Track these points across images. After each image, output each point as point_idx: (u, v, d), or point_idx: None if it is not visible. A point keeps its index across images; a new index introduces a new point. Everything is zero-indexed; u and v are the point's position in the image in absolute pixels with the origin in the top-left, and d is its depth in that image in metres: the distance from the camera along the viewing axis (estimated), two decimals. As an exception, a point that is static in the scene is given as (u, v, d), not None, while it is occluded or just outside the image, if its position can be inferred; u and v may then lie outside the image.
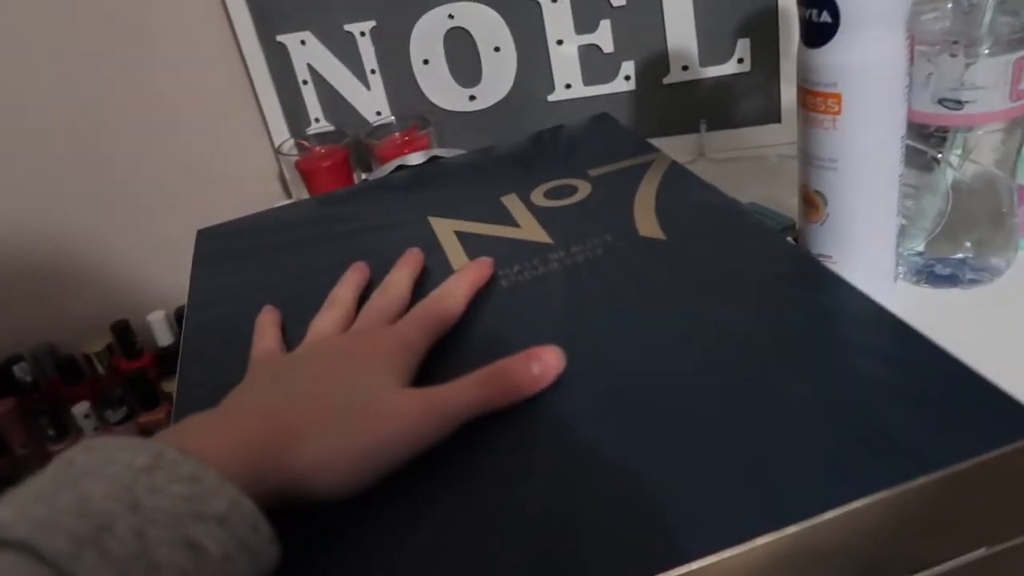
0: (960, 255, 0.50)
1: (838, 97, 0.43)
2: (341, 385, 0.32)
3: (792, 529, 0.24)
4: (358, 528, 0.28)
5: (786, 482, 0.26)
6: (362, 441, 0.29)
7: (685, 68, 0.76)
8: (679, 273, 0.38)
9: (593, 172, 0.50)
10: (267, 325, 0.40)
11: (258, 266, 0.48)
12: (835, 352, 0.31)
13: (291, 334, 0.40)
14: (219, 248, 0.52)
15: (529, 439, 0.30)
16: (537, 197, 0.48)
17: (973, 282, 0.50)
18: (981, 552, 0.28)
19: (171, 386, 0.94)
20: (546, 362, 0.32)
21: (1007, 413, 0.27)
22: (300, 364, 0.34)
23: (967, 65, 0.43)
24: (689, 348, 0.33)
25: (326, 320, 0.38)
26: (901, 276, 0.51)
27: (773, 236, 0.41)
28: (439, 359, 0.35)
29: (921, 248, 0.51)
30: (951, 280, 0.51)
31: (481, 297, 0.40)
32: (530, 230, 0.45)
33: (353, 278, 0.42)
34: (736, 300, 0.35)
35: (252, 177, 0.94)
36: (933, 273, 0.51)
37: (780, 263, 0.38)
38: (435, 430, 0.30)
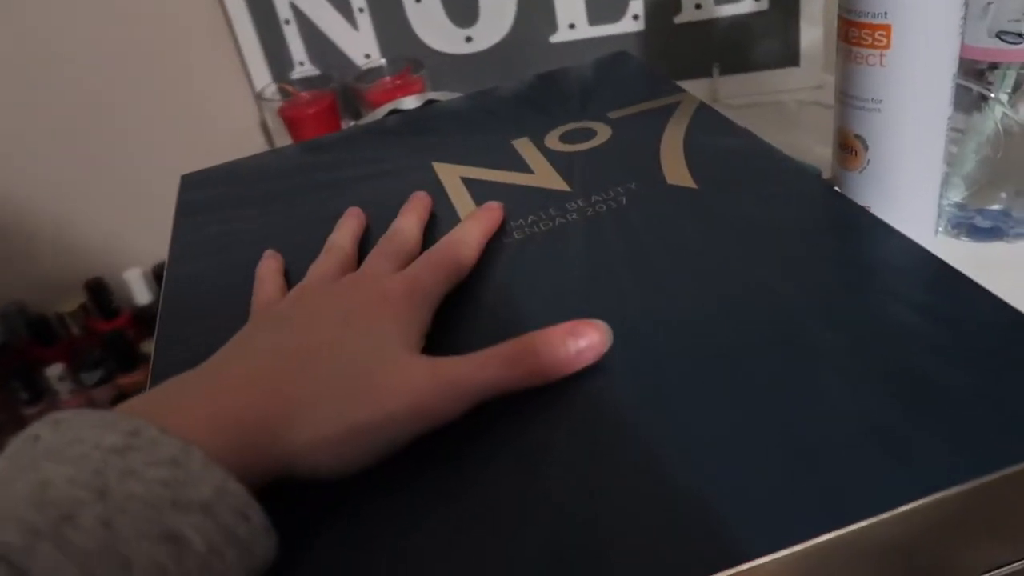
0: (1003, 206, 0.46)
1: (887, 28, 0.39)
2: (343, 350, 0.27)
3: (847, 529, 0.21)
4: (360, 517, 0.24)
5: (844, 473, 0.22)
6: (364, 416, 0.25)
7: (698, 7, 0.71)
8: (712, 225, 0.34)
9: (613, 114, 0.45)
10: (269, 272, 0.36)
11: (246, 216, 0.44)
12: (884, 309, 0.28)
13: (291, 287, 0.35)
14: (203, 196, 0.47)
15: (549, 416, 0.26)
16: (552, 141, 0.44)
17: (1019, 235, 0.46)
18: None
19: (150, 347, 0.89)
20: (590, 339, 0.27)
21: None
22: (300, 321, 0.30)
23: (1032, -7, 0.39)
24: (724, 309, 0.29)
25: (325, 266, 0.34)
26: (940, 229, 0.48)
27: (816, 183, 0.37)
28: (444, 321, 0.31)
29: (961, 198, 0.47)
30: (994, 233, 0.47)
31: (491, 250, 0.36)
32: (545, 177, 0.41)
33: (350, 224, 0.38)
34: (778, 255, 0.32)
35: (232, 125, 0.88)
36: (973, 226, 0.48)
37: (823, 211, 0.34)
38: (445, 410, 0.26)
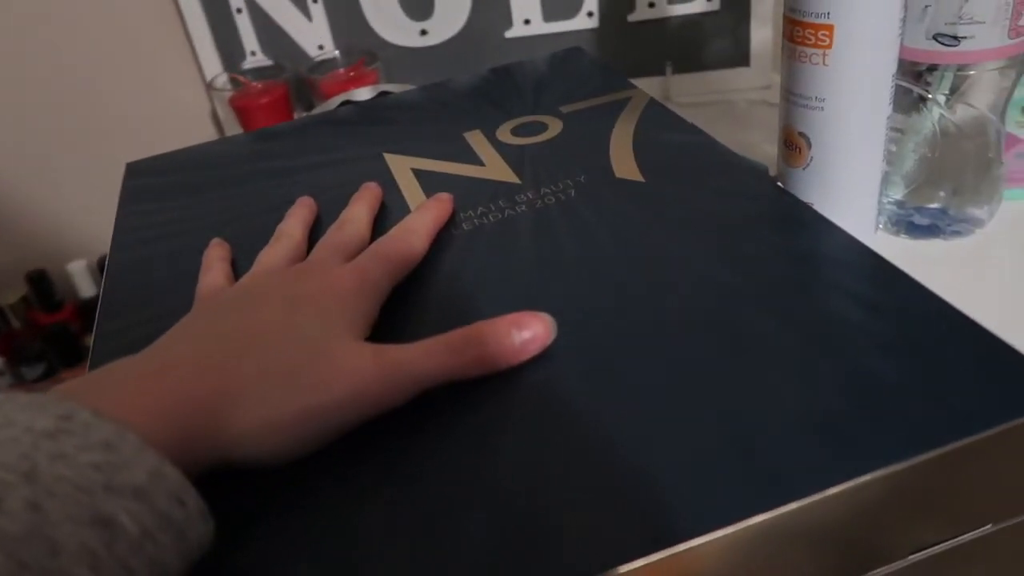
0: (940, 204, 0.48)
1: (830, 29, 0.40)
2: (288, 334, 0.27)
3: (786, 508, 0.21)
4: (304, 501, 0.24)
5: (780, 454, 0.23)
6: (307, 402, 0.25)
7: (651, 5, 0.72)
8: (659, 217, 0.35)
9: (565, 109, 0.46)
10: (215, 259, 0.35)
11: (192, 204, 0.43)
12: (826, 301, 0.28)
13: (239, 276, 0.35)
14: (149, 184, 0.46)
15: (495, 401, 0.26)
16: (504, 134, 0.44)
17: (955, 233, 0.48)
18: (988, 529, 0.25)
19: (95, 340, 0.87)
20: (534, 331, 0.28)
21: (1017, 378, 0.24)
22: (245, 305, 0.30)
23: (967, -3, 0.40)
24: (670, 299, 0.30)
25: (274, 253, 0.34)
26: (880, 226, 0.49)
27: (761, 178, 0.37)
28: (392, 311, 0.31)
29: (901, 196, 0.49)
30: (931, 231, 0.48)
31: (441, 241, 0.36)
32: (496, 169, 0.41)
33: (300, 212, 0.38)
34: (721, 246, 0.32)
35: (182, 115, 0.87)
36: (912, 223, 0.49)
37: (768, 206, 0.35)
38: (390, 395, 0.26)
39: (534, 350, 0.28)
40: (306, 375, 0.26)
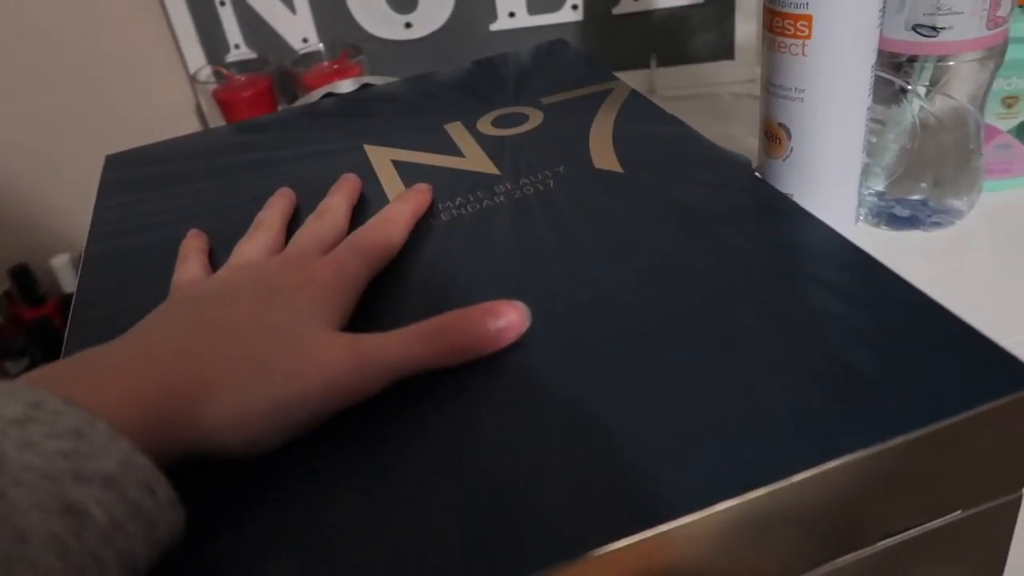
0: (921, 196, 0.48)
1: (809, 19, 0.40)
2: (264, 324, 0.27)
3: (759, 492, 0.22)
4: (277, 492, 0.24)
5: (754, 440, 0.23)
6: (281, 392, 0.25)
7: (636, -2, 0.72)
8: (637, 208, 0.35)
9: (546, 100, 0.46)
10: (192, 250, 0.35)
11: (171, 195, 0.43)
12: (803, 292, 0.28)
13: (216, 266, 0.35)
14: (128, 175, 0.46)
15: (472, 391, 0.26)
16: (484, 125, 0.44)
17: (935, 224, 0.48)
18: (957, 515, 0.26)
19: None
20: (508, 319, 0.28)
21: (995, 366, 0.24)
22: (221, 296, 0.30)
23: (945, -12, 0.40)
24: (648, 289, 0.30)
25: (252, 244, 0.34)
26: (861, 218, 0.49)
27: (739, 169, 0.37)
28: (371, 302, 0.31)
29: (881, 187, 0.49)
30: (911, 222, 0.49)
31: (419, 231, 0.36)
32: (476, 160, 0.41)
33: (279, 203, 0.38)
34: (699, 236, 0.32)
35: (165, 108, 0.86)
36: (892, 215, 0.49)
37: (747, 197, 0.35)
38: (365, 385, 0.26)
39: (510, 338, 0.28)
40: (280, 366, 0.25)
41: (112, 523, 0.20)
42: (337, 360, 0.26)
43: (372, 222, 0.34)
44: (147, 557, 0.21)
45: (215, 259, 0.36)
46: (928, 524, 0.25)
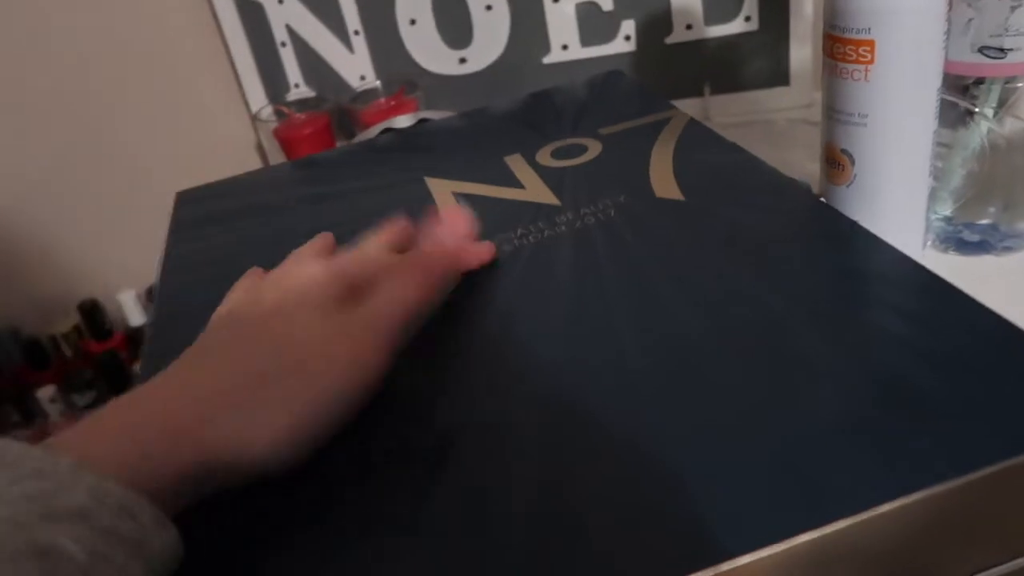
0: (991, 220, 0.47)
1: (871, 44, 0.39)
2: (259, 343, 0.28)
3: (835, 527, 0.21)
4: (329, 516, 0.24)
5: (829, 472, 0.22)
6: (306, 396, 0.26)
7: (689, 27, 0.72)
8: (700, 236, 0.34)
9: (604, 131, 0.46)
10: (239, 289, 0.36)
11: (240, 228, 0.44)
12: (876, 318, 0.28)
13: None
14: (199, 211, 0.48)
15: (530, 419, 0.26)
16: (543, 157, 0.44)
17: (1007, 249, 0.47)
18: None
19: (144, 368, 0.89)
20: (454, 224, 0.32)
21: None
22: (232, 323, 0.31)
23: (1012, 8, 0.39)
24: (713, 317, 0.29)
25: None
26: (929, 243, 0.48)
27: (804, 196, 0.37)
28: (427, 329, 0.31)
29: (949, 212, 0.48)
30: (982, 247, 0.47)
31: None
32: (536, 191, 0.41)
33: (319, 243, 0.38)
34: (763, 263, 0.32)
35: (228, 146, 0.89)
36: (962, 240, 0.48)
37: (812, 222, 0.35)
38: (380, 358, 0.27)
39: (469, 246, 0.32)
40: (297, 376, 0.26)
41: (92, 555, 0.19)
42: (348, 347, 0.27)
43: (408, 255, 0.34)
44: None
45: None
46: (1015, 562, 0.24)
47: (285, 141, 0.78)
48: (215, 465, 0.24)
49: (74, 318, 0.93)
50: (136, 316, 0.92)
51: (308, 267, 0.31)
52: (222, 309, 0.34)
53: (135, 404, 0.25)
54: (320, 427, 0.26)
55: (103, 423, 0.24)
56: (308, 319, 0.28)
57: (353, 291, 0.30)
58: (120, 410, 0.25)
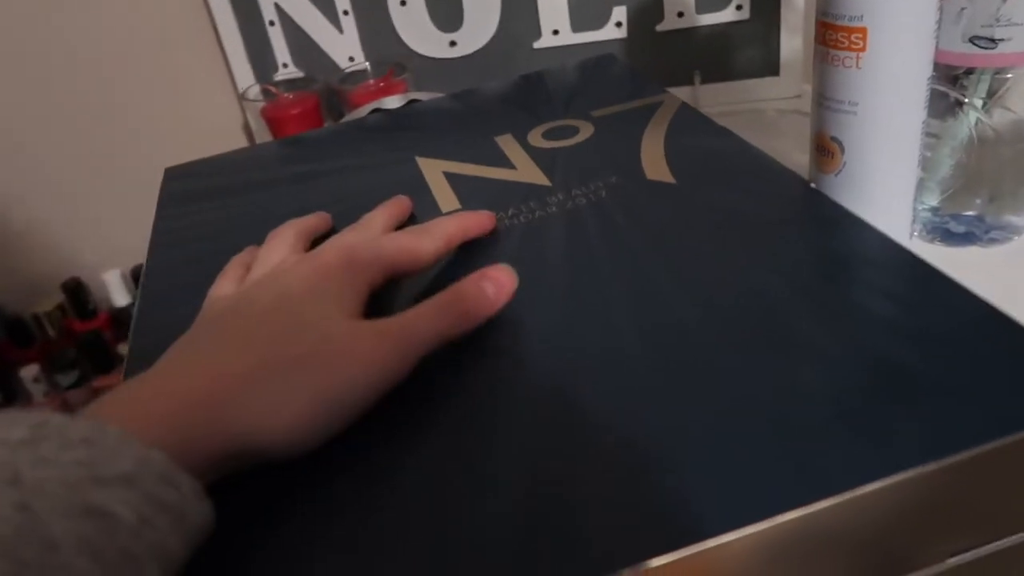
0: (977, 211, 0.47)
1: (864, 31, 0.40)
2: (281, 325, 0.28)
3: (821, 505, 0.21)
4: (324, 496, 0.24)
5: (815, 451, 0.22)
6: (320, 387, 0.25)
7: (680, 15, 0.72)
8: (690, 218, 0.35)
9: (596, 113, 0.46)
10: (234, 265, 0.35)
11: (228, 205, 0.44)
12: (863, 301, 0.28)
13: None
14: (186, 187, 0.47)
15: (521, 397, 0.26)
16: (535, 138, 0.44)
17: (992, 240, 0.47)
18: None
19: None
20: (499, 282, 0.30)
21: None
22: (239, 305, 0.30)
23: (1004, -1, 0.40)
24: (702, 298, 0.29)
25: (268, 251, 0.34)
26: (915, 234, 0.48)
27: (794, 180, 0.37)
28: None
29: (936, 203, 0.48)
30: (967, 238, 0.48)
31: (471, 241, 0.36)
32: (527, 171, 0.41)
33: (308, 218, 0.38)
34: (753, 246, 0.32)
35: (214, 125, 0.88)
36: (947, 231, 0.48)
37: (802, 207, 0.35)
38: (397, 366, 0.27)
39: (505, 298, 0.30)
40: (314, 362, 0.26)
41: (140, 519, 0.20)
42: (368, 345, 0.27)
43: (407, 229, 0.34)
44: (181, 549, 0.21)
45: None
46: (999, 542, 0.24)
47: (273, 121, 0.77)
48: (237, 446, 0.24)
49: (57, 297, 0.92)
50: (120, 296, 0.91)
51: (324, 254, 0.31)
52: (215, 292, 0.34)
53: (168, 379, 0.26)
54: (335, 418, 0.25)
55: (141, 397, 0.24)
56: (328, 310, 0.28)
57: (371, 285, 0.31)
58: (151, 386, 0.25)
